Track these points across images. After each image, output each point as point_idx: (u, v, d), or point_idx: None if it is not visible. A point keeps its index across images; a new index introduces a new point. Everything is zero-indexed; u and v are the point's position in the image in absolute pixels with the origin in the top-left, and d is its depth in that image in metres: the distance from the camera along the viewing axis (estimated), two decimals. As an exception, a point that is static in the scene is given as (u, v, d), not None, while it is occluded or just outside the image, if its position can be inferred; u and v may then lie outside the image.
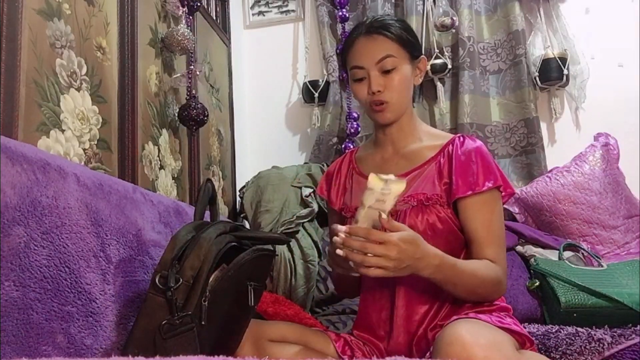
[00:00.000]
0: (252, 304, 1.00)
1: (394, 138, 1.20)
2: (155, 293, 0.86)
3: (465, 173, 1.09)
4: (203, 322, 0.86)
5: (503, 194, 1.12)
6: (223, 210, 2.17)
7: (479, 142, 1.14)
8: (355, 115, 2.27)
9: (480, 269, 1.04)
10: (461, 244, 1.11)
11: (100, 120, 1.34)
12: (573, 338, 1.31)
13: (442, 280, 0.99)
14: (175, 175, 1.76)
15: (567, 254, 1.76)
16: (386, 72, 1.12)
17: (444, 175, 1.11)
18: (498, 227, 1.10)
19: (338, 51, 2.33)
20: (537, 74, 2.18)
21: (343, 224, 1.18)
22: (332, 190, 1.28)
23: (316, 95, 2.37)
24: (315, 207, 2.03)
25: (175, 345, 0.83)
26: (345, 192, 1.26)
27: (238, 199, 2.30)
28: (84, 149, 1.27)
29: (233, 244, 0.95)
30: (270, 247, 1.03)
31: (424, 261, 0.95)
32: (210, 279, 0.89)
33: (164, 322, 0.84)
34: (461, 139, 1.15)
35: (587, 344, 1.29)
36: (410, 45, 1.15)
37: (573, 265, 1.65)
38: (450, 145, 1.14)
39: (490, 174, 1.09)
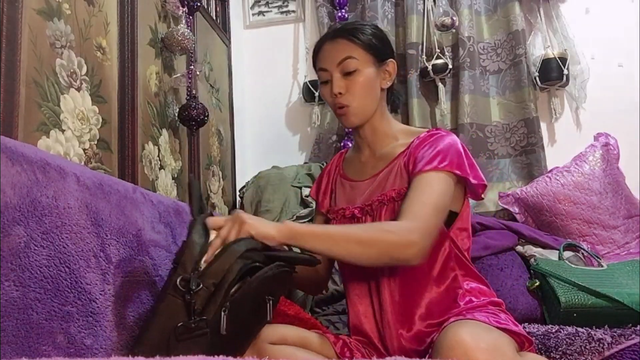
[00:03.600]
0: (269, 318, 1.00)
1: (369, 141, 1.21)
2: (175, 295, 0.86)
3: (420, 157, 1.08)
4: (224, 332, 0.86)
5: (476, 182, 1.09)
6: (223, 210, 2.17)
7: (448, 134, 1.12)
8: (355, 115, 2.27)
9: (361, 226, 1.02)
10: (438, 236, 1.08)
11: (100, 120, 1.34)
12: (573, 338, 1.31)
13: (314, 232, 0.97)
14: (175, 175, 1.76)
15: (567, 254, 1.76)
16: (348, 74, 1.13)
17: (410, 166, 1.11)
18: (434, 202, 1.02)
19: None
20: (537, 74, 2.19)
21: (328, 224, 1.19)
22: (320, 192, 1.30)
23: (317, 94, 2.37)
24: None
25: (187, 349, 0.83)
26: (330, 195, 1.28)
27: (238, 199, 2.30)
28: (84, 149, 1.27)
29: (258, 264, 0.94)
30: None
31: (257, 219, 0.95)
32: (232, 290, 0.89)
33: (180, 324, 0.84)
34: (431, 131, 1.15)
35: (587, 344, 1.29)
36: (375, 48, 1.15)
37: (573, 265, 1.65)
38: (421, 137, 1.14)
39: (443, 157, 1.06)
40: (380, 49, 1.17)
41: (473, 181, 1.09)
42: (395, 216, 1.06)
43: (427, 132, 1.16)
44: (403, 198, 1.06)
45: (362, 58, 1.13)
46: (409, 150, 1.14)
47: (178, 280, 0.86)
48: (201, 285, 0.86)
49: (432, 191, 1.03)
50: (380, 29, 1.23)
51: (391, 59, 1.19)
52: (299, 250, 1.03)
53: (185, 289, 0.85)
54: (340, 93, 1.13)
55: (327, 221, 1.26)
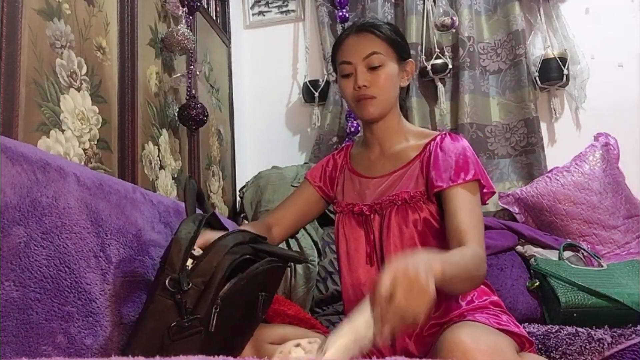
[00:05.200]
0: (262, 314, 0.99)
1: (380, 138, 1.22)
2: (165, 296, 0.85)
3: (442, 166, 1.10)
4: (212, 329, 0.85)
5: (485, 190, 1.13)
6: (223, 210, 2.17)
7: (461, 140, 1.16)
8: (355, 115, 2.27)
9: (464, 255, 0.95)
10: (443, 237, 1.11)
11: (100, 120, 1.34)
12: (573, 338, 1.31)
13: (454, 273, 0.87)
14: (175, 175, 1.76)
15: (567, 254, 1.76)
16: (373, 68, 1.14)
17: (431, 173, 1.13)
18: (478, 216, 1.07)
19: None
20: (537, 74, 2.18)
21: (318, 204, 1.28)
22: (326, 176, 1.30)
23: (316, 94, 2.37)
24: (315, 207, 2.03)
25: (182, 349, 0.83)
26: (333, 183, 1.29)
27: (238, 199, 2.30)
28: (84, 149, 1.27)
29: (248, 256, 0.94)
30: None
31: (422, 256, 0.82)
32: (223, 288, 0.88)
33: (173, 324, 0.84)
34: (443, 135, 1.17)
35: (587, 344, 1.29)
36: (398, 45, 1.18)
37: (573, 265, 1.65)
38: (433, 142, 1.16)
39: (467, 168, 1.10)
40: (403, 47, 1.19)
41: (485, 190, 1.13)
42: (407, 218, 1.11)
43: (441, 137, 1.17)
44: (448, 208, 1.07)
45: (386, 54, 1.15)
46: (424, 155, 1.15)
47: (167, 281, 0.85)
48: (190, 284, 0.86)
49: (478, 209, 1.08)
50: (399, 28, 1.26)
51: (411, 59, 1.22)
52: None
53: (175, 289, 0.84)
54: (365, 86, 1.14)
55: (316, 198, 1.28)
